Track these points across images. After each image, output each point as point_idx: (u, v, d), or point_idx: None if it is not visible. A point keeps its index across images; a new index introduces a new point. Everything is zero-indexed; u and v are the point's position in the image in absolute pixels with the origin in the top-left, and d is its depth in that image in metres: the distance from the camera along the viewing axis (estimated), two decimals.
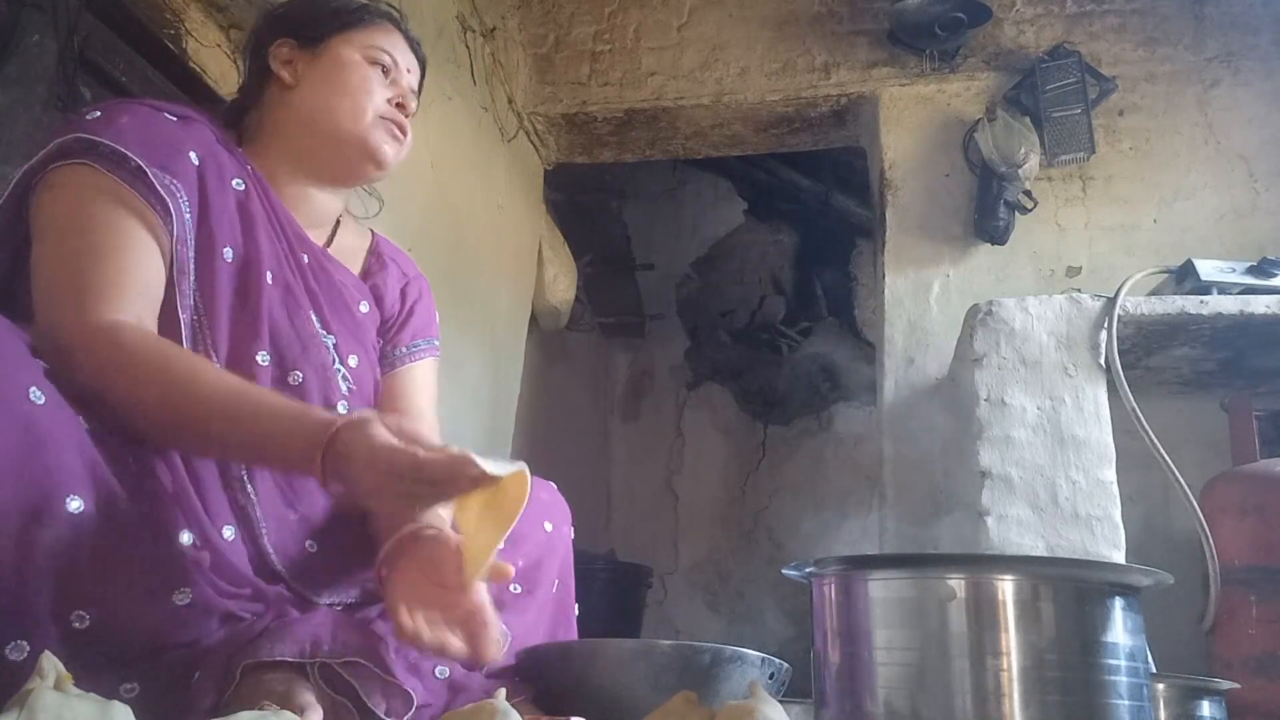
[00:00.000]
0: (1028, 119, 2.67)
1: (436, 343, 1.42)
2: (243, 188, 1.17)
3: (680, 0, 3.17)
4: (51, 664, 0.69)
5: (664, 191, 4.85)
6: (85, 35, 1.59)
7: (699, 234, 4.89)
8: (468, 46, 2.71)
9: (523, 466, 0.94)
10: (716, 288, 4.81)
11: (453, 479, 0.91)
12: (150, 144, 1.09)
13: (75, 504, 0.86)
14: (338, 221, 1.35)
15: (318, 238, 1.30)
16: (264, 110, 1.28)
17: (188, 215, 1.09)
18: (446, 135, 2.55)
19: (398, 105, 1.28)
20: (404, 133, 1.29)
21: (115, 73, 1.69)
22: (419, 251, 2.26)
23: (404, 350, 1.36)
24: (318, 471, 0.93)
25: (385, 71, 1.28)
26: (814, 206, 4.35)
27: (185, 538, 0.98)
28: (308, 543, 1.12)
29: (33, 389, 0.86)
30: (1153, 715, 1.06)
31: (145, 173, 1.06)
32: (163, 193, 1.06)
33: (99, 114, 1.10)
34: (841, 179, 4.15)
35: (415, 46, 1.35)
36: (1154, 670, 1.53)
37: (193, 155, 1.13)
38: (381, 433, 0.92)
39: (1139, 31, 2.85)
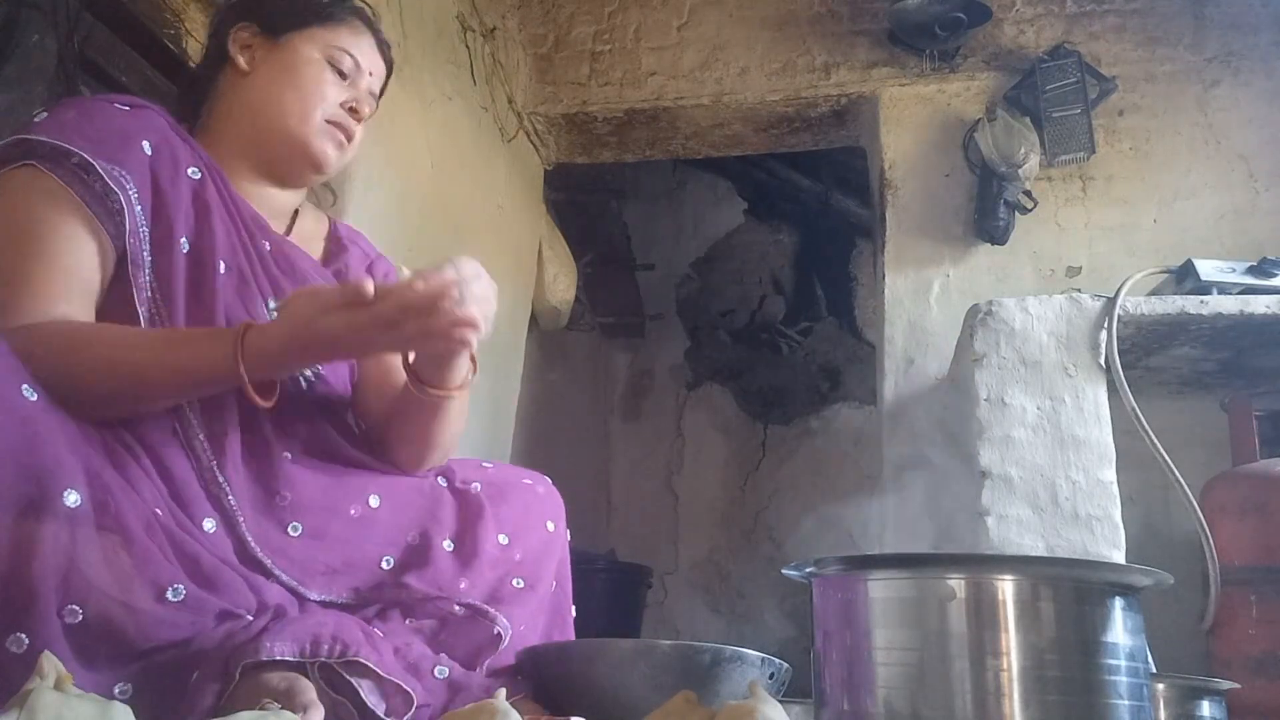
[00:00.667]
0: (1028, 119, 2.67)
1: None
2: (198, 176, 1.16)
3: (680, 0, 3.16)
4: (51, 664, 0.69)
5: (664, 191, 4.85)
6: (85, 35, 1.59)
7: (699, 234, 4.89)
8: (468, 46, 2.71)
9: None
10: (716, 288, 4.81)
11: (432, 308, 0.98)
12: (97, 137, 1.08)
13: (72, 497, 0.87)
14: (296, 210, 1.34)
15: (277, 227, 1.29)
16: (216, 96, 1.27)
17: (138, 207, 1.08)
18: (446, 135, 2.55)
19: (350, 110, 1.27)
20: (350, 138, 1.28)
21: (115, 73, 1.68)
22: (419, 251, 2.26)
23: None
24: (239, 362, 0.98)
25: (343, 74, 1.26)
26: (814, 206, 4.35)
27: (178, 532, 0.98)
28: (290, 528, 1.11)
29: (25, 386, 0.86)
30: (1153, 715, 1.06)
31: (90, 166, 1.05)
32: (111, 184, 1.06)
33: (45, 114, 1.10)
34: (841, 179, 4.15)
35: (384, 49, 1.34)
36: (1154, 670, 1.53)
37: (145, 145, 1.12)
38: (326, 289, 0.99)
39: (1139, 31, 2.85)
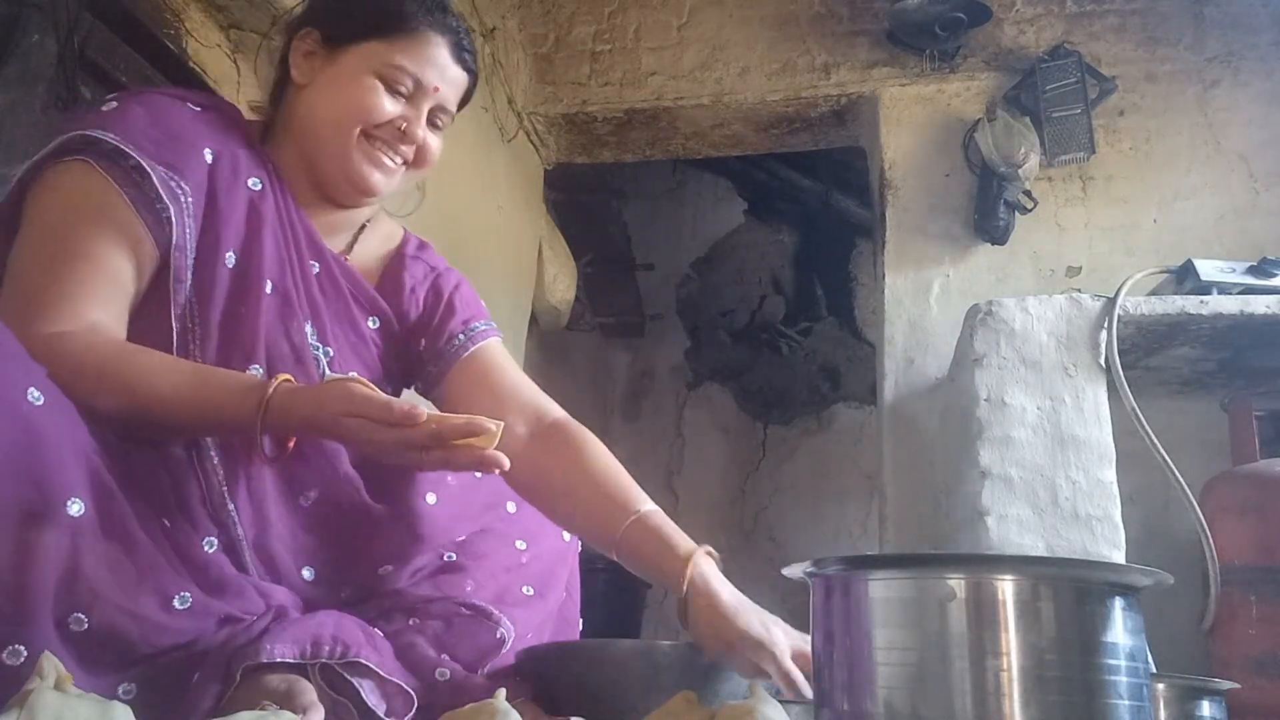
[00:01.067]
0: (1028, 119, 2.67)
1: (494, 325, 1.36)
2: (259, 187, 1.13)
3: (680, 0, 3.17)
4: (52, 664, 0.69)
5: (664, 191, 4.85)
6: (85, 35, 1.59)
7: (699, 234, 4.89)
8: None
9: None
10: (716, 288, 4.81)
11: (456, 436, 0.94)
12: (159, 139, 1.05)
13: (76, 507, 0.86)
14: (363, 226, 1.28)
15: (338, 244, 1.24)
16: (281, 106, 1.22)
17: (189, 219, 1.06)
18: (446, 136, 2.54)
19: (399, 131, 1.17)
20: (399, 158, 1.19)
21: (115, 73, 1.68)
22: None
23: (462, 337, 1.29)
24: (258, 421, 0.95)
25: (398, 92, 1.17)
26: (814, 206, 4.35)
27: (187, 541, 0.98)
28: (296, 559, 1.11)
29: (32, 390, 0.85)
30: (1153, 715, 1.06)
31: (144, 171, 1.03)
32: (164, 194, 1.03)
33: (114, 104, 1.07)
34: (841, 179, 4.15)
35: (464, 58, 1.22)
36: (1154, 670, 1.53)
37: (206, 152, 1.09)
38: (359, 388, 0.95)
39: (1139, 31, 2.85)
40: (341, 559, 1.14)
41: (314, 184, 1.20)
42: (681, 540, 1.17)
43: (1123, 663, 0.75)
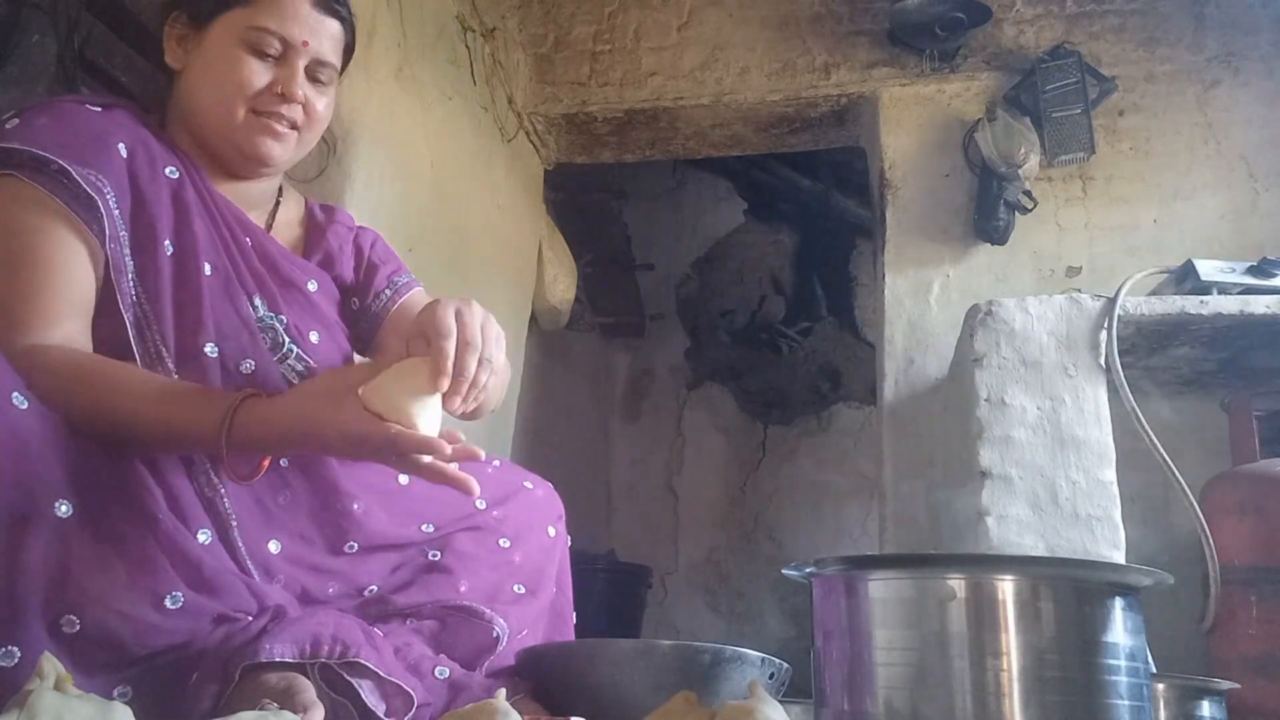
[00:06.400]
0: (1028, 119, 2.67)
1: (414, 277, 1.39)
2: (176, 175, 1.13)
3: (680, 0, 3.16)
4: (52, 665, 0.69)
5: (664, 191, 4.85)
6: (85, 35, 1.60)
7: (699, 234, 4.89)
8: (468, 46, 2.71)
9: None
10: (716, 288, 4.81)
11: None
12: (72, 142, 1.05)
13: (63, 508, 0.86)
14: (277, 201, 1.29)
15: (258, 219, 1.25)
16: (169, 93, 1.22)
17: (116, 211, 1.06)
18: (446, 135, 2.55)
19: (280, 94, 1.15)
20: (285, 123, 1.17)
21: (115, 73, 1.69)
22: (418, 252, 2.26)
23: (389, 292, 1.33)
24: (222, 436, 0.95)
25: (266, 55, 1.15)
26: (814, 206, 4.35)
27: (175, 539, 0.98)
28: (277, 543, 1.11)
29: (15, 394, 0.85)
30: (1153, 715, 1.06)
31: (68, 173, 1.02)
32: (89, 190, 1.03)
33: (17, 120, 1.07)
34: (841, 179, 4.15)
35: (332, 6, 1.20)
36: (1154, 670, 1.53)
37: (121, 147, 1.09)
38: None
39: (1139, 31, 2.85)
40: (309, 531, 1.13)
41: (216, 164, 1.20)
42: None
43: (1123, 663, 0.75)
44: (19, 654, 0.83)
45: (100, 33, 1.65)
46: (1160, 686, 1.28)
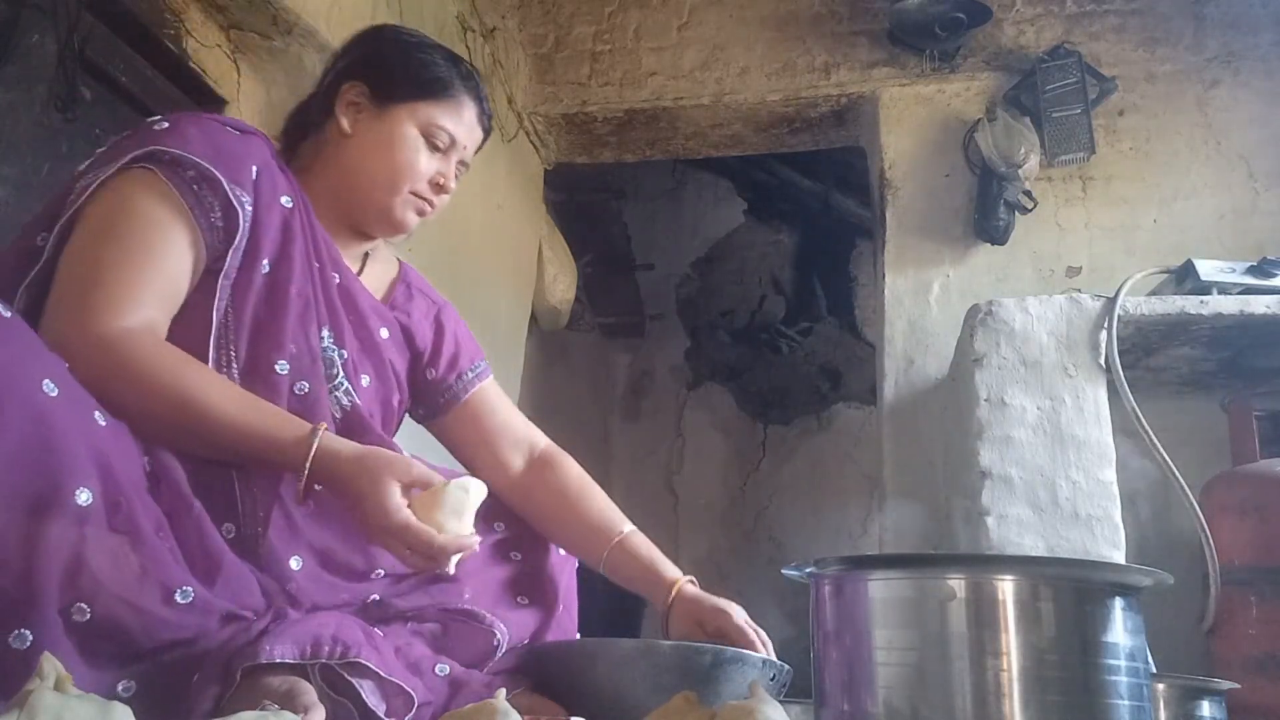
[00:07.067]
0: (1028, 119, 2.67)
1: (488, 364, 1.50)
2: (290, 205, 1.22)
3: (680, 0, 3.17)
4: (51, 665, 0.69)
5: (664, 191, 4.85)
6: (85, 35, 1.60)
7: (699, 234, 4.89)
8: (468, 46, 2.71)
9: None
10: (716, 288, 4.81)
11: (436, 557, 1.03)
12: (217, 156, 1.13)
13: (84, 496, 0.87)
14: (367, 253, 1.39)
15: (351, 263, 1.34)
16: (319, 143, 1.31)
17: (247, 227, 1.14)
18: None
19: (436, 185, 1.31)
20: (432, 206, 1.33)
21: (115, 73, 1.69)
22: (418, 252, 2.26)
23: (470, 374, 1.44)
24: (307, 456, 1.03)
25: (437, 148, 1.30)
26: (814, 206, 4.35)
27: (206, 530, 0.99)
28: (298, 557, 1.12)
29: (46, 381, 0.86)
30: (1153, 715, 1.06)
31: (212, 180, 1.11)
32: (233, 200, 1.12)
33: (166, 124, 1.14)
34: (841, 179, 4.15)
35: (485, 120, 1.37)
36: (1154, 670, 1.53)
37: (253, 169, 1.17)
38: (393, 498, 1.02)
39: (1139, 31, 2.85)
40: (333, 550, 1.14)
41: (343, 217, 1.31)
42: (666, 566, 1.40)
43: (1123, 663, 0.75)
44: (31, 637, 0.84)
45: (100, 33, 1.65)
46: (1160, 686, 1.28)
